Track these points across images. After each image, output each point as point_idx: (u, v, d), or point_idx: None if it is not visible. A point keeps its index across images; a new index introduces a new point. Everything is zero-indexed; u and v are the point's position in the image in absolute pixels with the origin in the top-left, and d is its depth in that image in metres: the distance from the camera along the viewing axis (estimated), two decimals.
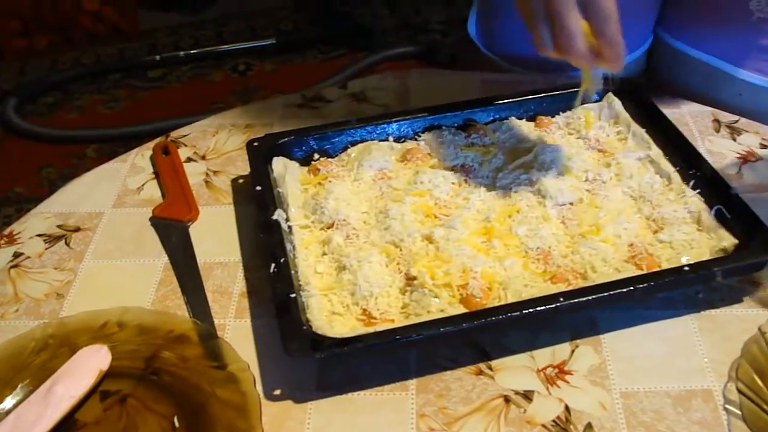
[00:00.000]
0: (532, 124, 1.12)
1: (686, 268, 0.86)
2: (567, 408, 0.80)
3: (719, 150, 1.11)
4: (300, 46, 3.54)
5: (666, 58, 1.35)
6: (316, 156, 1.08)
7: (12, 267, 1.00)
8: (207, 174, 1.13)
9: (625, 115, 1.10)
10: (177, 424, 0.80)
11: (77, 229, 1.05)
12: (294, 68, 3.42)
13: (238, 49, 3.54)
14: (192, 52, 3.52)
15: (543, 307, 0.83)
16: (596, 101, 1.13)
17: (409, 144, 1.09)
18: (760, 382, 0.80)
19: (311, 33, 3.61)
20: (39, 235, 1.05)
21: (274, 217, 0.95)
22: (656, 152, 1.03)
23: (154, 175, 1.14)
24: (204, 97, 3.22)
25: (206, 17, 3.85)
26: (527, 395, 0.82)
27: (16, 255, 1.02)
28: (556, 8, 0.88)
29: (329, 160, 1.08)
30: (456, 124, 1.11)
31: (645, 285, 0.84)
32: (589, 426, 0.78)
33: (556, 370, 0.84)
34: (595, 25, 0.88)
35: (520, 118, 1.12)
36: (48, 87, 3.38)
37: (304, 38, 3.58)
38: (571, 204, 0.98)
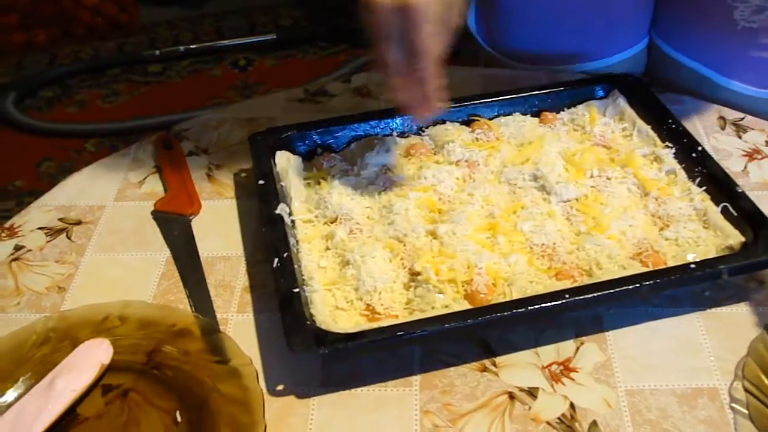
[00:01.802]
0: (536, 119, 1.11)
1: (692, 266, 0.85)
2: (572, 405, 0.80)
3: (725, 147, 1.10)
4: (300, 42, 3.53)
5: (661, 63, 1.35)
6: (320, 150, 1.08)
7: (13, 260, 1.00)
8: (209, 168, 1.12)
9: (630, 111, 1.10)
10: (179, 419, 0.80)
11: (78, 223, 1.05)
12: (294, 64, 3.41)
13: (238, 44, 3.53)
14: (192, 47, 3.51)
15: (548, 304, 0.82)
16: (601, 98, 1.13)
17: (413, 139, 1.09)
18: (766, 381, 0.79)
19: (311, 29, 3.60)
20: (40, 228, 1.04)
21: (277, 211, 0.95)
22: (661, 149, 1.03)
23: (155, 169, 1.13)
24: (204, 92, 3.21)
25: (206, 12, 3.84)
26: (532, 392, 0.81)
27: (18, 248, 1.02)
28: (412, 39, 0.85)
29: (332, 154, 1.07)
30: (460, 119, 1.11)
31: (651, 282, 0.84)
32: (594, 424, 0.78)
33: (561, 367, 0.84)
34: (408, 61, 0.87)
35: (524, 114, 1.12)
36: (47, 81, 3.37)
37: (304, 34, 3.57)
38: (576, 200, 0.97)
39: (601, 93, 1.14)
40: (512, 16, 1.33)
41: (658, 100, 1.10)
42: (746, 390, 0.79)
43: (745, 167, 1.07)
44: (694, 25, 1.26)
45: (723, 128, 1.14)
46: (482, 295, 0.85)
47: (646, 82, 1.16)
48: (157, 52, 3.48)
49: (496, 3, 1.34)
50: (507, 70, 1.30)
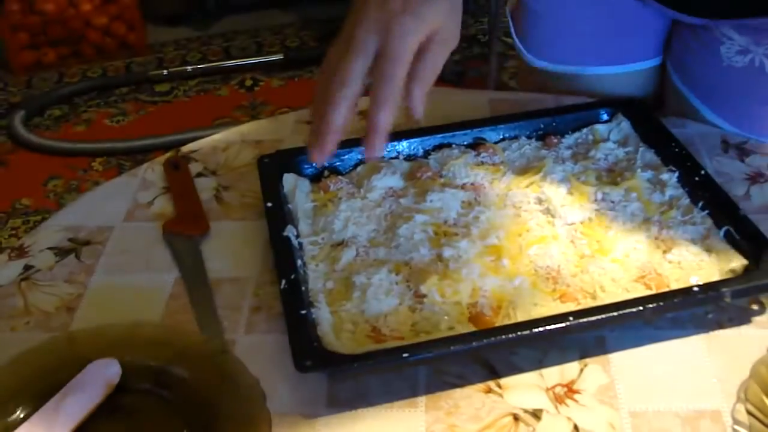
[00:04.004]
0: (541, 143, 1.12)
1: (695, 289, 0.86)
2: (576, 427, 0.80)
3: (727, 171, 1.11)
4: (307, 62, 3.55)
5: (670, 91, 1.35)
6: (326, 173, 1.09)
7: (23, 280, 1.01)
8: (217, 189, 1.13)
9: (633, 135, 1.11)
10: None
11: (87, 243, 1.06)
12: (302, 84, 3.43)
13: (245, 64, 3.55)
14: (199, 66, 3.54)
15: (552, 326, 0.83)
16: (605, 122, 1.14)
17: (419, 162, 1.10)
18: None
19: (318, 49, 3.62)
20: (49, 248, 1.05)
21: (285, 233, 0.96)
22: (665, 173, 1.03)
23: (164, 190, 1.14)
24: (211, 112, 3.23)
25: (214, 32, 3.87)
26: (536, 414, 0.82)
27: (27, 268, 1.03)
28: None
29: (339, 177, 1.08)
30: (466, 143, 1.12)
31: (654, 305, 0.85)
32: None
33: (565, 389, 0.84)
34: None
35: (529, 137, 1.13)
36: (55, 100, 3.39)
37: (311, 54, 3.59)
38: (581, 223, 0.98)
39: (605, 117, 1.15)
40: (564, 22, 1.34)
41: (661, 123, 1.11)
42: (749, 412, 0.80)
43: (748, 191, 1.08)
44: (690, 52, 1.27)
45: (726, 151, 1.15)
46: (487, 318, 0.86)
47: (650, 106, 1.17)
48: (165, 72, 3.51)
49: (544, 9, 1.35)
50: (515, 94, 1.31)
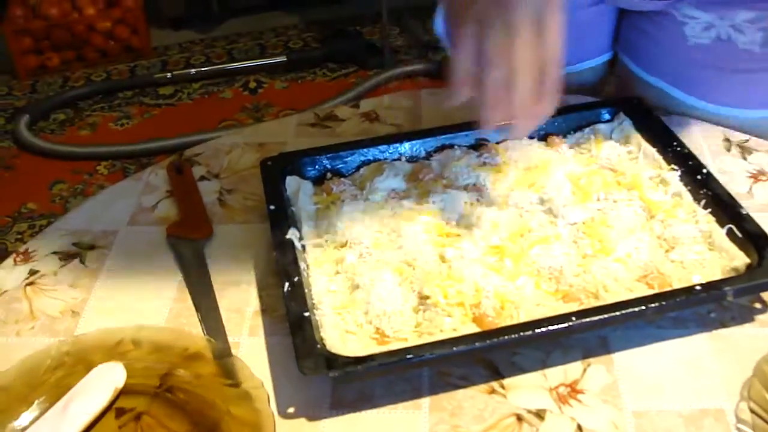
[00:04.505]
0: (543, 143, 1.13)
1: (698, 288, 0.86)
2: (579, 427, 0.81)
3: (730, 169, 1.11)
4: (311, 64, 3.55)
5: (625, 78, 1.36)
6: (329, 175, 1.09)
7: (28, 284, 1.01)
8: (220, 192, 1.14)
9: (635, 134, 1.11)
10: None
11: (92, 247, 1.06)
12: (305, 86, 3.43)
13: (249, 66, 3.55)
14: (203, 69, 3.54)
15: (555, 327, 0.83)
16: (607, 121, 1.14)
17: (422, 163, 1.10)
18: None
19: (322, 51, 3.62)
20: (54, 253, 1.06)
21: (288, 236, 0.96)
22: (667, 171, 1.04)
23: (168, 194, 1.14)
24: (215, 115, 3.23)
25: (217, 35, 3.87)
26: (539, 414, 0.82)
27: (32, 272, 1.03)
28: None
29: (342, 179, 1.08)
30: (468, 144, 1.12)
31: (656, 304, 0.85)
32: None
33: (569, 389, 0.84)
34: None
35: (531, 138, 1.13)
36: (60, 104, 3.40)
37: (314, 56, 3.60)
38: (583, 223, 0.98)
39: (607, 116, 1.15)
40: None
41: (663, 122, 1.11)
42: (752, 411, 0.80)
43: (750, 189, 1.08)
44: (650, 40, 1.28)
45: (728, 150, 1.15)
46: (490, 318, 0.86)
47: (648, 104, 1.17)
48: (169, 75, 3.51)
49: None
50: None
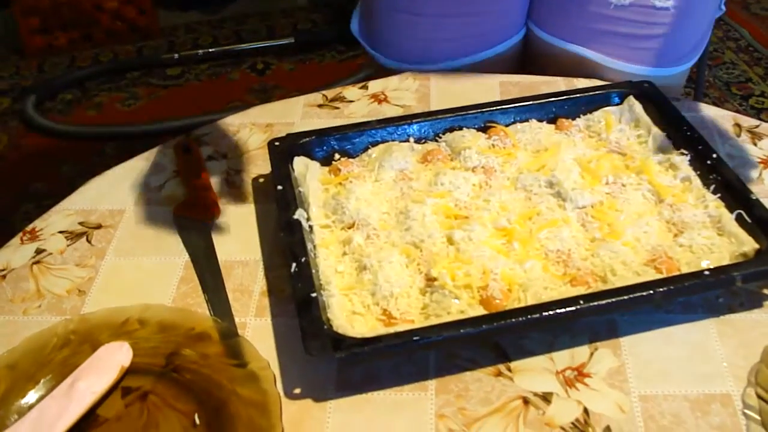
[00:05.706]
0: (552, 126, 1.12)
1: (706, 273, 0.86)
2: (586, 410, 0.80)
3: (740, 154, 1.11)
4: (318, 46, 3.54)
5: (538, 51, 1.37)
6: (337, 156, 1.09)
7: (34, 263, 1.01)
8: (228, 173, 1.13)
9: (645, 118, 1.10)
10: (197, 422, 0.81)
11: (99, 227, 1.06)
12: (312, 67, 3.42)
13: (256, 47, 3.54)
14: (211, 50, 3.53)
15: (563, 310, 0.83)
16: (617, 104, 1.13)
17: (430, 145, 1.10)
18: None
19: (329, 33, 3.61)
20: (61, 232, 1.06)
21: (295, 216, 0.96)
22: (676, 156, 1.03)
23: (175, 173, 1.14)
24: (222, 96, 3.22)
25: (225, 16, 3.86)
26: (546, 397, 0.82)
27: (39, 251, 1.03)
28: None
29: (350, 160, 1.08)
30: (477, 126, 1.12)
31: (665, 289, 0.85)
32: (607, 429, 0.79)
33: (575, 373, 0.84)
34: None
35: (540, 121, 1.13)
36: (67, 84, 3.39)
37: (322, 38, 3.58)
38: (592, 207, 0.98)
39: (616, 100, 1.14)
40: (395, 15, 1.37)
41: (673, 107, 1.10)
42: (759, 396, 0.80)
43: (760, 174, 1.08)
44: (570, 9, 1.30)
45: (738, 135, 1.15)
46: (497, 301, 0.86)
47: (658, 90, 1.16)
48: (176, 56, 3.50)
49: (378, 6, 1.39)
50: (527, 77, 1.30)
